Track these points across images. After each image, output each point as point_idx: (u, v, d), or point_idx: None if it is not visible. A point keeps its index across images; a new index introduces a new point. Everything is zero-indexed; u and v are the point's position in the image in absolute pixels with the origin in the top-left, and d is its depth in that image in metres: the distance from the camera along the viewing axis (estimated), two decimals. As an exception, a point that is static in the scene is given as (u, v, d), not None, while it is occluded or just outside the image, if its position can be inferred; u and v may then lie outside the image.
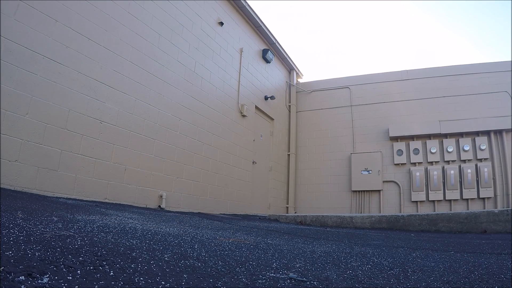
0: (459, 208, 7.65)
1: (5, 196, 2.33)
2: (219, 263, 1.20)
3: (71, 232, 1.38)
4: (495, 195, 7.50)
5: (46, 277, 0.73)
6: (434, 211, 7.72)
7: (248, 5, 7.28)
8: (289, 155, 9.56)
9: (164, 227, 2.21)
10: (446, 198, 7.81)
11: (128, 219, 2.38)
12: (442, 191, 7.86)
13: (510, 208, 3.96)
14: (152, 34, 4.88)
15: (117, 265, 0.95)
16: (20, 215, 1.57)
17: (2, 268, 0.73)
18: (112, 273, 0.86)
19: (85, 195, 3.74)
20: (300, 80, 10.45)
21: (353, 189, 8.67)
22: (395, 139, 8.58)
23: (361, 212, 8.36)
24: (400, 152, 8.44)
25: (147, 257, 1.12)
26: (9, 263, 0.79)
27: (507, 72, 7.89)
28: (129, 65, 4.44)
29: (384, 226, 4.60)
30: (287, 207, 9.17)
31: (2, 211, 1.58)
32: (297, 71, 10.17)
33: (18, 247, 0.97)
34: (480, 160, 7.76)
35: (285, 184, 9.33)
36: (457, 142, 8.02)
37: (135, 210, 3.62)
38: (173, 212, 4.55)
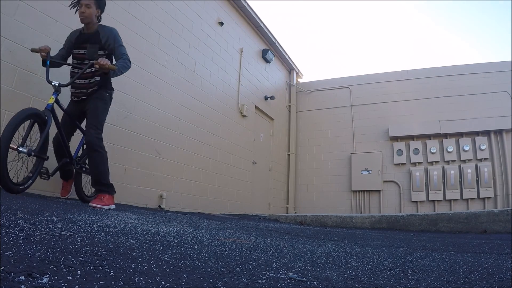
0: (459, 208, 7.65)
1: (5, 196, 2.33)
2: (219, 263, 1.20)
3: (71, 232, 1.38)
4: (495, 195, 7.50)
5: (46, 277, 0.73)
6: (434, 211, 7.72)
7: (248, 5, 7.28)
8: (289, 155, 9.56)
9: (164, 227, 2.21)
10: (446, 198, 7.82)
11: (128, 219, 2.38)
12: (442, 191, 7.87)
13: (510, 208, 3.96)
14: (152, 34, 4.88)
15: (117, 265, 0.95)
16: (20, 215, 1.57)
17: (2, 268, 0.73)
18: (112, 273, 0.86)
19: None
20: (300, 80, 10.45)
21: (353, 189, 8.67)
22: (395, 139, 8.58)
23: (361, 212, 8.36)
24: (400, 152, 8.44)
25: (147, 257, 1.12)
26: (9, 263, 0.79)
27: (507, 72, 7.89)
28: (129, 65, 4.44)
29: (384, 226, 4.60)
30: (287, 207, 9.17)
31: (2, 211, 1.58)
32: (297, 71, 10.16)
33: (18, 247, 0.97)
34: (480, 160, 7.76)
35: (285, 184, 9.33)
36: (457, 142, 8.02)
37: (135, 210, 3.62)
38: (173, 212, 4.54)
